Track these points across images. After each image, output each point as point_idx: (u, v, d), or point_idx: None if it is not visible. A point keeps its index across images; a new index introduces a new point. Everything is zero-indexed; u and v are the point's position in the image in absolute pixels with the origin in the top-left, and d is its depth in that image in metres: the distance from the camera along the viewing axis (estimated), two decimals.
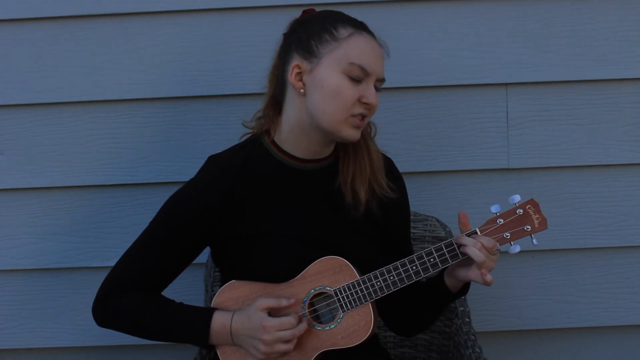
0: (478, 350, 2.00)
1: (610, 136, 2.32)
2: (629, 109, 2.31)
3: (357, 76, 1.73)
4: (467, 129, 2.32)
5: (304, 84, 1.76)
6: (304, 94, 1.76)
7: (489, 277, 1.70)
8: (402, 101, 2.31)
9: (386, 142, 2.19)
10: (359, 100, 1.74)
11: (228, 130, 2.28)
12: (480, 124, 2.32)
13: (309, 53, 1.75)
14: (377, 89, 1.77)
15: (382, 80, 1.79)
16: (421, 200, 2.32)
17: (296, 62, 1.76)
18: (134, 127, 2.32)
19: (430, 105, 2.31)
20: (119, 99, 2.30)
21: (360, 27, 1.78)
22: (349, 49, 1.73)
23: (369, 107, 1.76)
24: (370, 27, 1.82)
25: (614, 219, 2.35)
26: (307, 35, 1.76)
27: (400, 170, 1.98)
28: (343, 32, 1.74)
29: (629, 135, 2.32)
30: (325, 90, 1.73)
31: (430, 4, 2.28)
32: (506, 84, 2.30)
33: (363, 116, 1.76)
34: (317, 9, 1.87)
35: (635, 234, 2.35)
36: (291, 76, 1.77)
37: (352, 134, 1.76)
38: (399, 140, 2.31)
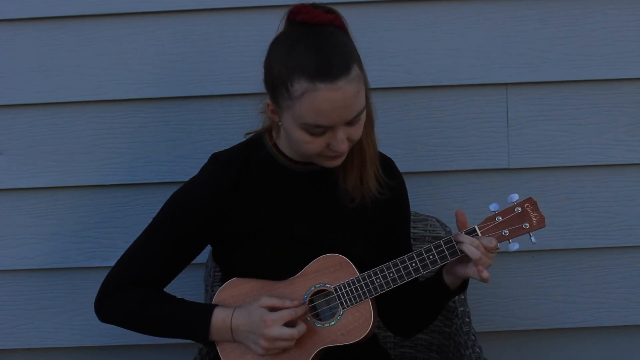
0: (478, 350, 2.00)
1: (610, 136, 2.32)
2: (629, 109, 2.31)
3: (317, 132, 1.66)
4: (467, 129, 2.32)
5: (280, 119, 1.74)
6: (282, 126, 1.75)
7: (485, 274, 1.70)
8: (402, 101, 2.31)
9: (386, 142, 2.20)
10: (328, 147, 1.70)
11: (228, 130, 2.28)
12: (480, 124, 2.32)
13: (274, 100, 1.71)
14: (352, 123, 1.68)
15: (357, 115, 1.68)
16: (421, 200, 2.32)
17: (268, 101, 1.74)
18: (134, 127, 2.32)
19: (430, 105, 2.31)
20: (119, 99, 2.30)
21: (317, 76, 1.61)
22: (302, 110, 1.64)
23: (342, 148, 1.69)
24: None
25: (614, 219, 2.35)
26: (270, 80, 1.70)
27: (401, 170, 1.98)
28: (297, 88, 1.63)
29: (629, 135, 2.31)
30: (292, 138, 1.71)
31: (431, 4, 2.27)
32: (506, 84, 2.30)
33: (336, 155, 1.72)
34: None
35: (635, 234, 2.35)
36: (268, 112, 1.76)
37: (331, 164, 1.75)
38: (399, 140, 2.31)
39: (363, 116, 1.71)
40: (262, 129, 1.89)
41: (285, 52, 1.67)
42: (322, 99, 1.62)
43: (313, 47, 1.65)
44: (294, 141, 1.72)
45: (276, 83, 1.67)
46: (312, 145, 1.69)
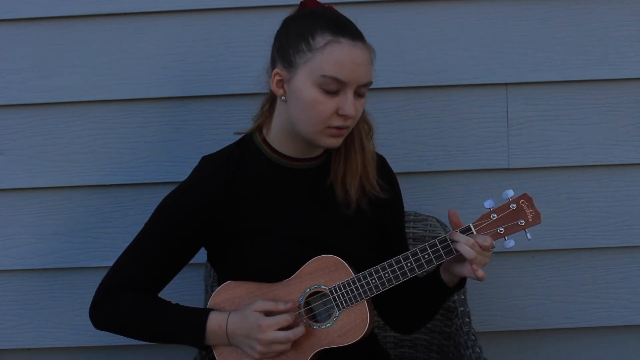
0: (478, 350, 2.00)
1: (610, 136, 2.31)
2: (629, 109, 2.31)
3: (332, 89, 1.69)
4: (467, 129, 2.32)
5: (285, 92, 1.75)
6: (286, 101, 1.76)
7: (480, 273, 1.69)
8: (402, 101, 2.31)
9: (386, 142, 2.20)
10: (336, 112, 1.71)
11: (228, 130, 2.27)
12: (480, 124, 2.32)
13: (288, 62, 1.73)
14: (360, 95, 1.74)
15: (367, 84, 1.74)
16: (421, 200, 2.32)
17: (277, 69, 1.75)
18: (134, 127, 2.32)
19: (430, 105, 2.31)
20: (119, 99, 2.30)
21: (340, 32, 1.70)
22: (322, 61, 1.68)
23: (347, 118, 1.73)
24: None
25: (614, 219, 2.35)
26: (286, 41, 1.74)
27: (401, 170, 1.98)
28: (319, 40, 1.69)
29: (629, 135, 2.31)
30: (301, 102, 1.72)
31: (431, 4, 2.28)
32: (506, 84, 2.30)
33: (341, 127, 1.74)
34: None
35: (635, 234, 2.35)
36: (272, 83, 1.77)
37: (331, 143, 1.75)
38: (399, 140, 2.31)
39: (365, 98, 1.76)
40: (252, 129, 1.89)
41: (305, 18, 1.75)
42: (344, 51, 1.69)
43: (332, 14, 1.75)
44: (304, 105, 1.72)
45: (293, 42, 1.72)
46: (323, 106, 1.70)
